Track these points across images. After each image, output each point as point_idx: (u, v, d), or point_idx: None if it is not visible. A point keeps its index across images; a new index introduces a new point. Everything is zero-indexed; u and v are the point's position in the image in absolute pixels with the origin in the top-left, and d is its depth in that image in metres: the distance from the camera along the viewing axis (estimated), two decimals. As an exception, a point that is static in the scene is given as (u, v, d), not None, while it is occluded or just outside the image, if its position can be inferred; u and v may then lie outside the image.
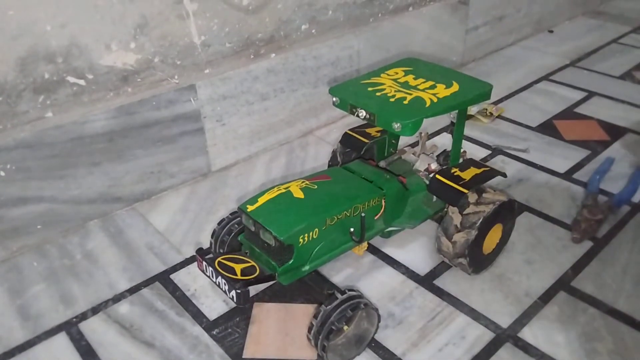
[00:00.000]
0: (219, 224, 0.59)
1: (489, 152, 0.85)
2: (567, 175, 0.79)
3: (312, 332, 0.49)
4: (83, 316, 0.58)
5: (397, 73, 0.63)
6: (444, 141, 0.87)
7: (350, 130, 0.68)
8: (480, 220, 0.56)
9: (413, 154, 0.69)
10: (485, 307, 0.58)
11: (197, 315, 0.58)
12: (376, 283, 0.61)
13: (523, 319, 0.56)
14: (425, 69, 0.64)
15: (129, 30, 0.66)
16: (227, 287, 0.51)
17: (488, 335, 0.54)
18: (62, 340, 0.55)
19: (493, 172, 0.60)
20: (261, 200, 0.54)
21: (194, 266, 0.64)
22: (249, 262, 0.54)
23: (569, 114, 0.96)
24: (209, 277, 0.53)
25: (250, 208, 0.53)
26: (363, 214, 0.56)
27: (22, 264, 0.65)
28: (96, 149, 0.67)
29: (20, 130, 0.62)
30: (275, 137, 0.87)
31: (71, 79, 0.64)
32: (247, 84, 0.79)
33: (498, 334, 0.55)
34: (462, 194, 0.57)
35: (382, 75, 0.62)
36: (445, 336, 0.54)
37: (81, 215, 0.70)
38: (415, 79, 0.61)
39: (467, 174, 0.59)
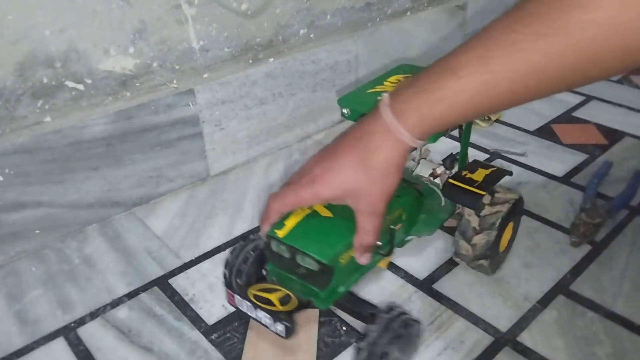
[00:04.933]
0: (231, 252, 0.57)
1: (487, 156, 0.85)
2: (566, 179, 0.79)
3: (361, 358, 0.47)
4: (81, 321, 0.58)
5: (399, 80, 0.62)
6: (440, 145, 0.87)
7: None
8: (499, 220, 0.57)
9: (412, 159, 0.69)
10: (484, 311, 0.58)
11: (196, 320, 0.58)
12: (375, 287, 0.61)
13: (522, 323, 0.56)
14: None
15: (128, 35, 0.66)
16: (270, 321, 0.48)
17: (487, 340, 0.54)
18: (60, 345, 0.55)
19: (501, 172, 0.60)
20: (289, 224, 0.51)
21: (192, 270, 0.64)
22: (280, 289, 0.51)
23: (567, 117, 0.96)
24: (243, 311, 0.50)
25: (280, 234, 0.50)
26: (392, 226, 0.54)
27: (20, 269, 0.65)
28: (95, 153, 0.67)
29: (18, 135, 0.62)
30: (274, 142, 0.87)
31: (70, 84, 0.64)
32: (245, 88, 0.79)
33: (497, 338, 0.55)
34: (479, 196, 0.56)
35: (384, 83, 0.62)
36: (444, 340, 0.54)
37: (79, 220, 0.70)
38: None
39: (478, 176, 0.59)
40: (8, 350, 0.55)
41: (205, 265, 0.65)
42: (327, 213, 0.52)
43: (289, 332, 0.47)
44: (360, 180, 0.46)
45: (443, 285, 0.61)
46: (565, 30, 0.36)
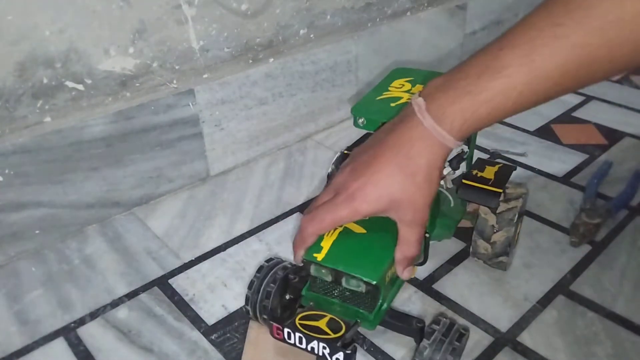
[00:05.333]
0: (249, 288, 0.53)
1: (487, 156, 0.85)
2: (565, 179, 0.79)
3: None
4: (81, 321, 0.58)
5: (403, 85, 0.62)
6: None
7: (346, 150, 0.64)
8: (516, 215, 0.57)
9: None
10: (484, 311, 0.58)
11: (196, 320, 0.58)
12: (375, 287, 0.61)
13: (522, 323, 0.56)
14: (425, 77, 0.63)
15: (128, 36, 0.66)
16: (328, 351, 0.45)
17: (487, 340, 0.54)
18: (60, 346, 0.55)
19: (508, 168, 0.60)
20: (325, 246, 0.48)
21: (192, 271, 0.64)
22: (324, 314, 0.48)
23: (567, 117, 0.96)
24: (294, 345, 0.47)
25: (319, 257, 0.47)
26: (427, 234, 0.52)
27: (20, 269, 0.65)
28: (95, 153, 0.67)
29: (18, 135, 0.62)
30: (274, 142, 0.87)
31: (70, 84, 0.64)
32: (245, 88, 0.79)
33: (497, 338, 0.55)
34: (498, 194, 0.56)
35: (390, 89, 0.61)
36: (444, 340, 0.54)
37: (79, 220, 0.70)
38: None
39: (488, 174, 0.58)
40: (8, 351, 0.55)
41: (205, 265, 0.65)
42: (359, 229, 0.50)
43: (351, 359, 0.44)
44: (403, 189, 0.45)
45: (443, 286, 0.61)
46: (621, 22, 0.36)
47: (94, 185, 0.69)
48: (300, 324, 0.47)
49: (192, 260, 0.66)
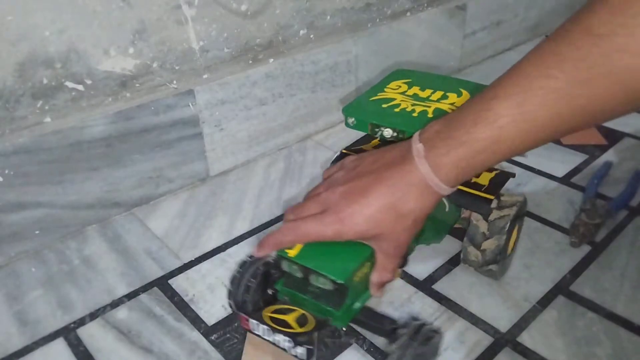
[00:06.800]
0: (231, 282, 0.54)
1: (487, 156, 0.85)
2: (565, 180, 0.79)
3: None
4: (81, 322, 0.58)
5: (399, 86, 0.61)
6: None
7: (345, 149, 0.64)
8: (508, 224, 0.56)
9: None
10: (484, 311, 0.58)
11: (196, 321, 0.58)
12: (375, 288, 0.61)
13: (522, 324, 0.56)
14: (424, 79, 0.63)
15: (128, 36, 0.66)
16: (290, 344, 0.46)
17: (487, 340, 0.54)
18: (60, 346, 0.55)
19: (506, 174, 0.60)
20: None
21: (192, 271, 0.64)
22: (295, 310, 0.50)
23: (566, 118, 0.96)
24: (259, 335, 0.48)
25: (291, 253, 0.48)
26: None
27: (20, 270, 0.65)
28: (94, 154, 0.67)
29: (18, 136, 0.62)
30: (274, 142, 0.87)
31: (70, 84, 0.64)
32: (245, 89, 0.79)
33: (497, 338, 0.55)
34: (489, 200, 0.55)
35: (385, 90, 0.61)
36: (444, 341, 0.54)
37: (79, 221, 0.70)
38: (421, 90, 0.60)
39: (483, 180, 0.58)
40: (7, 351, 0.55)
41: (205, 265, 0.65)
42: None
43: (310, 354, 0.45)
44: (390, 226, 0.47)
45: (443, 286, 0.61)
46: (610, 76, 0.36)
47: (94, 185, 0.69)
48: (270, 316, 0.48)
49: (192, 260, 0.66)
